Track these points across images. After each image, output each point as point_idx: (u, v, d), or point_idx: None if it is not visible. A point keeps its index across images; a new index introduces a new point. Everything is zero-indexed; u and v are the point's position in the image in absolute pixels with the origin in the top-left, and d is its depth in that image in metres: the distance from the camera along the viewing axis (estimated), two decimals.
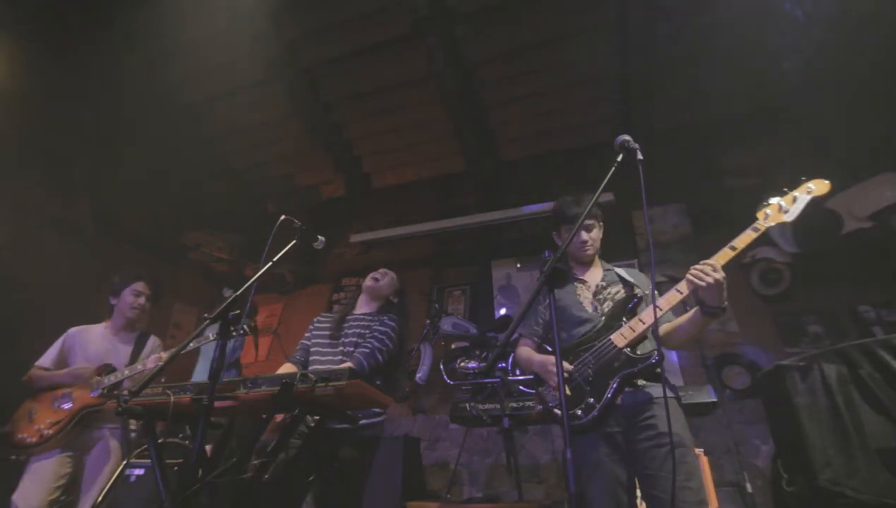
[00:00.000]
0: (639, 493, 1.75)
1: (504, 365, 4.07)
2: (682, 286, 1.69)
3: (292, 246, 1.98)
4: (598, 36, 4.73)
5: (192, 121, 5.69)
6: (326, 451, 2.10)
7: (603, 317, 1.87)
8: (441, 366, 4.64)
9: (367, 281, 2.57)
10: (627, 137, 1.66)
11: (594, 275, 2.06)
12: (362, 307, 2.55)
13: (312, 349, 2.40)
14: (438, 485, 4.11)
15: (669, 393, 1.72)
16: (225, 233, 6.14)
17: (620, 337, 1.75)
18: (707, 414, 2.95)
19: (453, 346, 4.73)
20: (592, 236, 2.05)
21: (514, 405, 3.07)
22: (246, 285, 1.69)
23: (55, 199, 4.83)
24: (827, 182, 1.75)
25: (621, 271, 2.06)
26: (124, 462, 2.56)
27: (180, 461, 3.15)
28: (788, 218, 1.72)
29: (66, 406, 2.58)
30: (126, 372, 2.66)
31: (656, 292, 1.92)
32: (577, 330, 1.90)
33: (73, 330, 2.86)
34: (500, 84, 5.26)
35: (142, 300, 2.89)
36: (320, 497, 2.16)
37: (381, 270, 2.61)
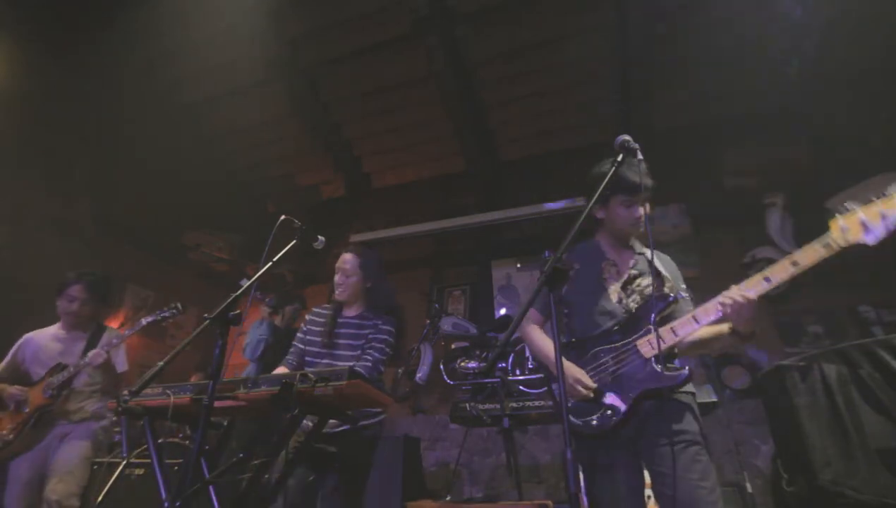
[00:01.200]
0: (649, 492, 1.73)
1: (504, 365, 4.08)
2: (725, 305, 1.52)
3: (292, 246, 1.97)
4: (598, 36, 4.73)
5: (192, 121, 5.69)
6: (326, 452, 2.10)
7: (627, 314, 1.71)
8: (441, 366, 4.64)
9: (336, 293, 2.41)
10: (627, 137, 1.62)
11: (626, 259, 1.85)
12: (349, 310, 2.45)
13: (307, 358, 2.33)
14: (438, 485, 4.11)
15: (686, 389, 1.67)
16: (225, 233, 6.14)
17: (648, 347, 1.59)
18: (707, 414, 2.95)
19: (453, 346, 4.73)
20: (643, 212, 1.80)
21: (514, 405, 3.07)
22: (246, 285, 1.69)
23: (55, 199, 4.83)
24: None
25: (655, 258, 1.82)
26: (124, 462, 2.57)
27: (180, 461, 3.15)
28: (871, 240, 1.38)
29: (24, 409, 2.66)
30: (71, 369, 2.69)
31: (687, 296, 1.77)
32: (596, 321, 1.75)
33: (28, 335, 2.88)
34: (500, 84, 5.26)
35: (75, 305, 2.85)
36: (321, 497, 2.16)
37: (338, 279, 2.43)
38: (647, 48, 4.65)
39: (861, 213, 1.40)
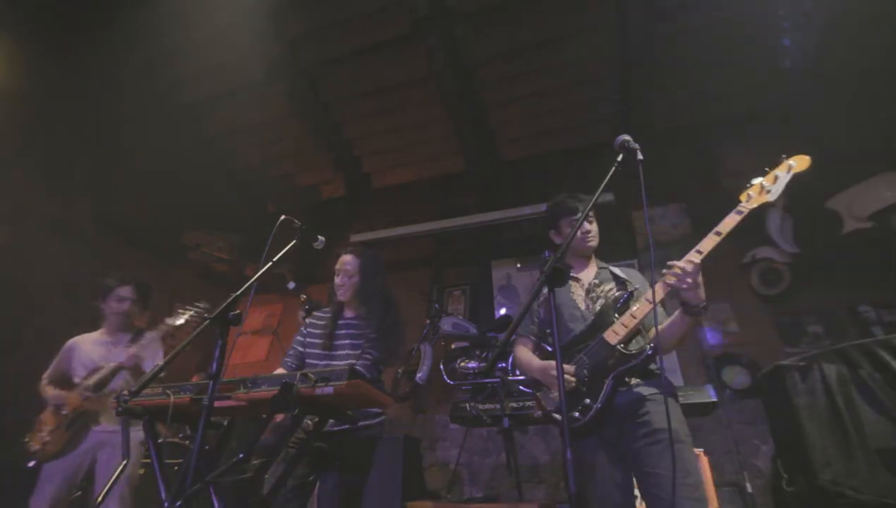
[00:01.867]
0: (637, 493, 1.75)
1: (504, 365, 4.07)
2: (670, 278, 1.67)
3: (292, 246, 1.97)
4: (598, 36, 4.73)
5: (192, 121, 5.69)
6: (326, 452, 2.10)
7: (594, 316, 1.86)
8: (441, 366, 4.64)
9: (338, 295, 2.42)
10: (627, 137, 1.66)
11: (588, 273, 2.05)
12: (349, 310, 2.45)
13: (308, 360, 2.32)
14: (438, 485, 4.11)
15: (663, 389, 1.70)
16: (225, 233, 6.13)
17: (612, 334, 1.74)
18: (707, 414, 2.94)
19: (453, 346, 4.72)
20: (594, 228, 2.06)
21: (514, 405, 3.07)
22: (246, 285, 1.69)
23: (55, 199, 4.83)
24: (807, 157, 1.73)
25: (616, 269, 2.05)
26: (124, 462, 2.57)
27: (180, 461, 3.15)
28: (771, 197, 1.70)
29: (64, 412, 2.68)
30: (105, 370, 2.71)
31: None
32: (569, 327, 1.88)
33: (71, 340, 2.90)
34: (500, 84, 5.26)
35: (126, 305, 2.88)
36: (321, 497, 2.15)
37: (339, 281, 2.42)
38: (647, 48, 4.65)
39: (761, 181, 1.74)
